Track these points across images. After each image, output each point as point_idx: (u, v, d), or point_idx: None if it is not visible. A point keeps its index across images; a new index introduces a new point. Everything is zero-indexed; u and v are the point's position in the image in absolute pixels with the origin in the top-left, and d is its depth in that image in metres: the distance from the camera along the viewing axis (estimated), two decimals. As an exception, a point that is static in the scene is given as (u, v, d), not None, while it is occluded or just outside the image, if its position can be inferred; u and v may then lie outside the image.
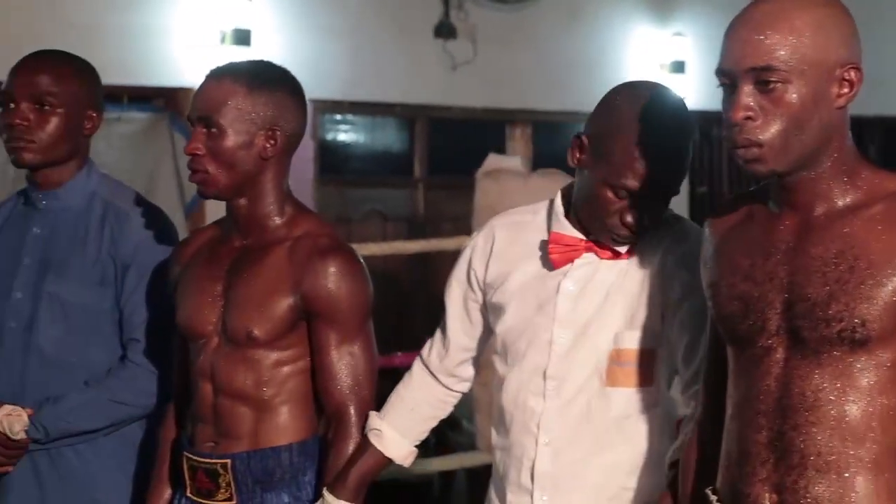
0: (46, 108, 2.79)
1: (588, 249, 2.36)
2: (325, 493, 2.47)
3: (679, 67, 9.65)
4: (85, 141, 2.89)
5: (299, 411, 2.56)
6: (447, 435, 5.92)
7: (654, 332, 2.33)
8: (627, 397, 2.34)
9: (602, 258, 2.36)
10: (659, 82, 2.38)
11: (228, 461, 2.51)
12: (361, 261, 2.57)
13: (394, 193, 9.04)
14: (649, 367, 2.33)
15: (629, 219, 2.28)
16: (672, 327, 2.31)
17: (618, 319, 2.33)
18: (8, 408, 2.75)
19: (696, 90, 9.72)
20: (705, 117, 10.26)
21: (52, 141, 2.81)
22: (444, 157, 8.98)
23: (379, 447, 2.52)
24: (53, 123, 2.80)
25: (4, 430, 2.73)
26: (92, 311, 2.82)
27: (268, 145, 2.52)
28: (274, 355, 2.53)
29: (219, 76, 2.53)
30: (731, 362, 2.04)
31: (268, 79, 2.56)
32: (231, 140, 2.49)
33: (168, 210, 3.05)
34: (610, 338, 2.33)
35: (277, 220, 2.58)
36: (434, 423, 2.65)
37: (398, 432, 2.56)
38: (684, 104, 2.35)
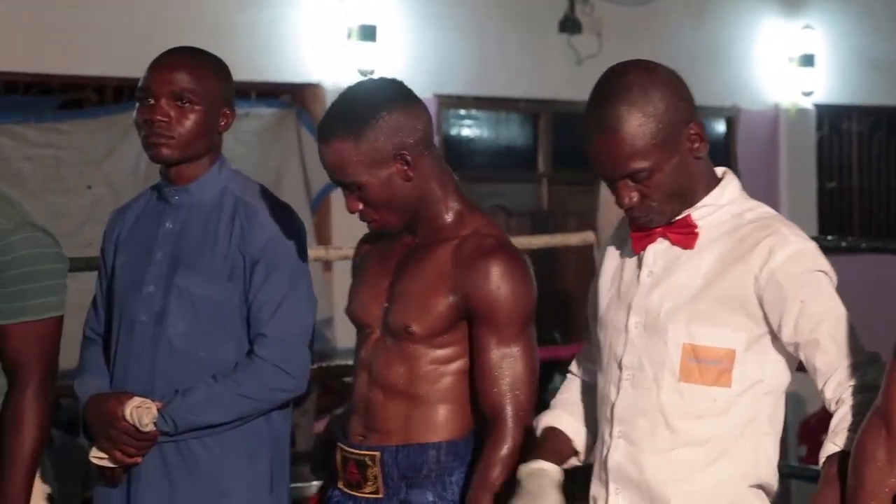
0: (186, 104, 2.81)
1: (662, 235, 2.33)
2: (472, 489, 2.46)
3: (808, 61, 9.51)
4: (218, 137, 2.92)
5: (453, 411, 2.57)
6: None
7: (735, 331, 2.27)
8: (702, 395, 2.28)
9: (674, 243, 2.32)
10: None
11: (377, 454, 2.54)
12: (527, 262, 2.57)
13: (517, 188, 9.04)
14: (727, 367, 2.27)
15: (621, 201, 2.28)
16: (788, 329, 2.24)
17: (693, 313, 2.28)
18: (138, 400, 2.77)
19: (825, 84, 9.58)
20: (834, 111, 10.14)
21: (190, 137, 2.83)
22: (568, 152, 8.95)
23: (567, 432, 2.47)
24: (192, 120, 2.82)
25: (134, 422, 2.75)
26: (220, 305, 2.83)
27: (405, 168, 2.54)
28: (431, 352, 2.55)
29: (327, 140, 2.56)
30: None
31: (368, 113, 2.55)
32: (376, 188, 2.53)
33: (294, 206, 3.06)
34: (684, 331, 2.28)
35: (446, 218, 2.60)
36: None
37: (571, 420, 2.51)
38: (612, 75, 2.33)
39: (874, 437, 2.09)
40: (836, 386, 2.21)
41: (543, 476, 2.37)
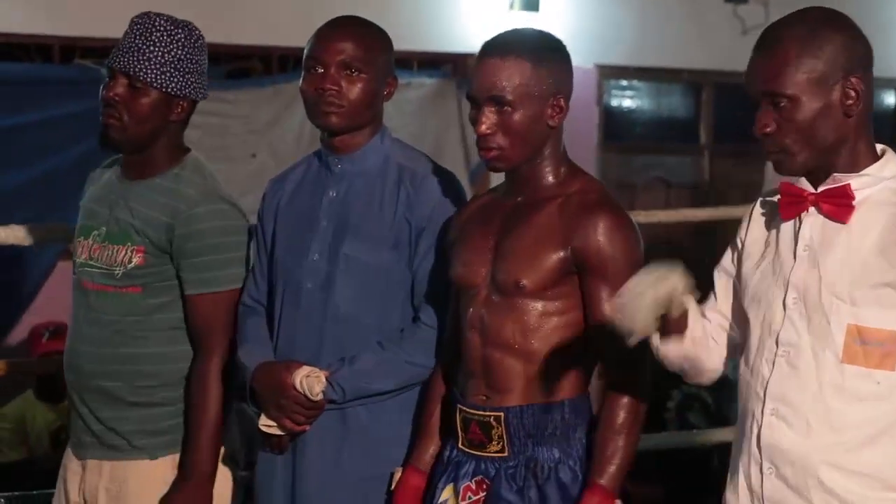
0: (354, 73, 2.85)
1: (814, 203, 2.29)
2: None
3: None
4: (381, 106, 2.95)
5: (570, 367, 2.58)
6: (726, 406, 5.84)
7: (889, 310, 2.22)
8: (865, 378, 2.24)
9: (826, 213, 2.28)
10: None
11: (501, 414, 2.55)
12: (631, 217, 2.59)
13: (678, 160, 8.96)
14: (892, 350, 2.23)
15: (758, 124, 2.28)
16: None
17: (859, 293, 2.23)
18: (307, 369, 2.81)
19: None
20: None
21: (359, 106, 2.86)
22: (732, 125, 8.84)
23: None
24: (360, 88, 2.85)
25: (304, 391, 2.80)
26: (387, 272, 2.86)
27: (555, 113, 2.58)
28: (541, 305, 2.56)
29: (503, 54, 2.58)
30: None
31: (548, 50, 2.61)
32: (522, 115, 2.55)
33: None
34: (849, 312, 2.23)
35: (552, 180, 2.63)
36: None
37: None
38: None
39: None
40: None
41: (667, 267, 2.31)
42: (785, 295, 2.31)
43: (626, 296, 2.25)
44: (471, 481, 2.62)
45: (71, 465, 3.16)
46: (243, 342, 2.97)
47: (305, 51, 2.91)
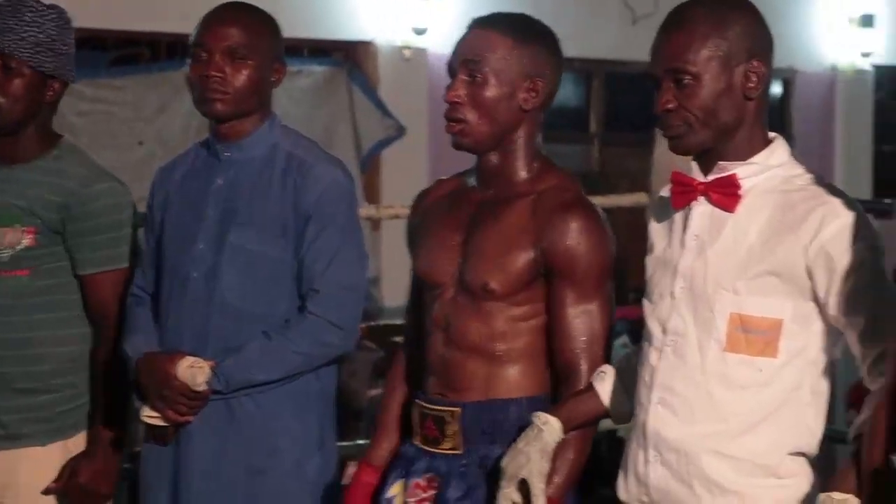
0: (239, 60, 2.83)
1: (703, 192, 2.31)
2: (536, 413, 2.46)
3: (868, 21, 9.44)
4: (269, 93, 2.93)
5: (532, 368, 2.56)
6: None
7: (783, 301, 2.25)
8: (747, 366, 2.27)
9: (714, 203, 2.30)
10: None
11: (458, 410, 2.54)
12: (604, 219, 2.55)
13: (569, 149, 9.02)
14: (774, 338, 2.26)
15: (659, 101, 2.30)
16: (833, 303, 2.23)
17: (742, 282, 2.26)
18: (190, 359, 2.79)
19: (884, 45, 9.48)
20: (894, 73, 10.03)
21: (244, 92, 2.85)
22: (621, 114, 8.93)
23: (598, 389, 2.49)
24: (246, 75, 2.84)
25: (187, 381, 2.78)
26: (273, 261, 2.85)
27: (529, 97, 2.54)
28: (509, 310, 2.54)
29: (485, 26, 2.57)
30: None
31: (533, 32, 2.60)
32: (494, 90, 2.52)
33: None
34: (732, 301, 2.26)
35: (524, 175, 2.58)
36: None
37: (623, 386, 2.50)
38: None
39: (880, 416, 2.09)
40: (870, 370, 2.23)
41: (542, 429, 2.40)
42: (673, 284, 2.33)
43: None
44: (421, 478, 2.60)
45: None
46: (129, 333, 2.95)
47: (192, 37, 2.88)
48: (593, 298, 2.51)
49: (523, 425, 2.48)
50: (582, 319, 2.50)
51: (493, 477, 2.48)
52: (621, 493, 2.40)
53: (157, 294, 2.98)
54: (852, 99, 9.76)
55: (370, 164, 7.72)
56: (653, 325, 2.36)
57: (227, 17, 2.88)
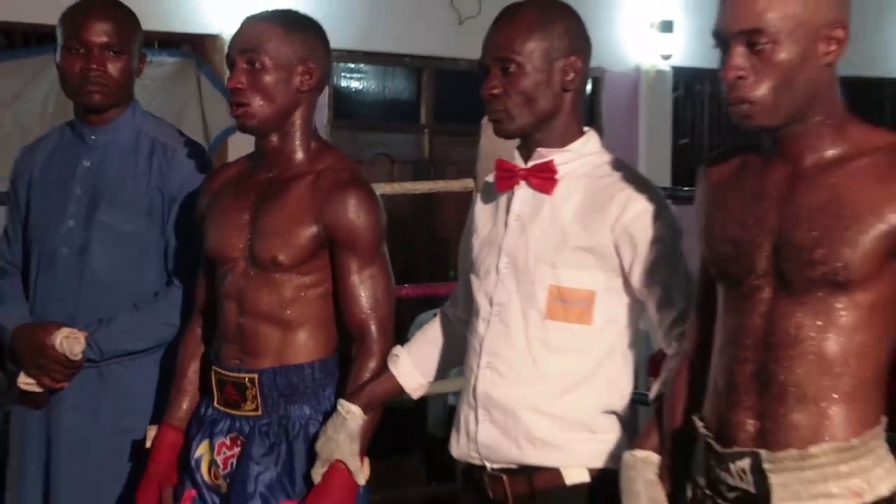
0: (114, 54, 2.81)
1: (525, 177, 2.36)
2: (341, 401, 2.50)
3: (668, 27, 9.62)
4: (133, 82, 2.92)
5: (321, 332, 2.57)
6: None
7: (595, 275, 2.31)
8: (566, 332, 2.31)
9: (533, 187, 2.35)
10: None
11: (256, 376, 2.53)
12: (376, 193, 2.58)
13: (401, 138, 9.05)
14: (588, 307, 2.32)
15: (487, 85, 2.33)
16: (636, 276, 2.29)
17: (559, 257, 2.31)
18: (66, 330, 2.77)
19: (682, 48, 9.69)
20: (690, 74, 10.28)
21: (121, 83, 2.85)
22: (449, 106, 8.98)
23: (393, 372, 2.54)
24: (120, 68, 2.83)
25: (64, 351, 2.76)
26: (141, 238, 2.84)
27: (304, 79, 2.55)
28: (297, 279, 2.54)
29: (257, 19, 2.57)
30: (720, 300, 2.05)
31: (300, 22, 2.60)
32: (271, 74, 2.52)
33: (195, 148, 3.05)
34: (551, 274, 2.31)
35: (302, 155, 2.58)
36: (452, 364, 2.64)
37: (413, 363, 2.57)
38: None
39: (680, 380, 2.17)
40: (665, 335, 2.29)
41: (346, 417, 2.46)
42: (498, 260, 2.36)
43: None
44: (226, 438, 2.59)
45: None
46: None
47: (64, 30, 2.83)
48: (374, 264, 2.54)
49: (315, 386, 2.55)
50: (367, 284, 2.53)
51: (296, 435, 2.53)
52: (454, 451, 2.43)
53: (24, 268, 2.93)
54: (653, 97, 9.90)
55: (218, 149, 7.60)
56: (480, 299, 2.39)
57: (101, 12, 2.84)
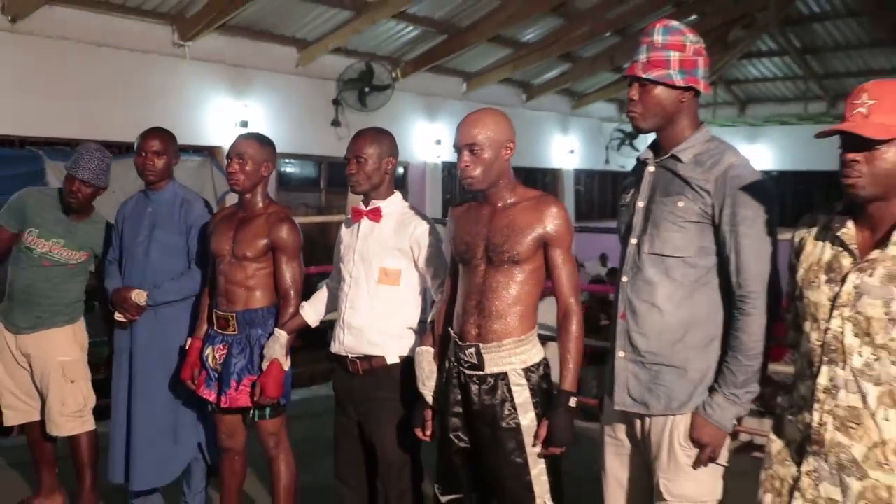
0: (158, 155, 2.68)
1: (366, 214, 2.22)
2: (276, 328, 2.39)
3: (439, 142, 9.39)
4: (172, 169, 2.79)
5: (267, 293, 2.43)
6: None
7: (401, 260, 2.16)
8: (388, 288, 2.18)
9: (370, 219, 2.20)
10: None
11: (233, 314, 2.42)
12: (297, 223, 2.45)
13: (311, 195, 8.50)
14: (398, 277, 2.17)
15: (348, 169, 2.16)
16: (420, 263, 2.17)
17: (381, 252, 2.18)
18: (136, 291, 2.65)
19: (447, 152, 9.19)
20: (451, 165, 9.92)
21: (163, 171, 2.71)
22: (333, 179, 8.51)
23: (301, 314, 2.37)
24: (163, 163, 2.70)
25: (136, 301, 2.63)
26: (176, 246, 2.70)
27: (265, 169, 2.41)
28: (256, 265, 2.37)
29: (245, 137, 2.42)
30: (461, 272, 1.98)
31: (265, 139, 2.48)
32: (250, 166, 2.38)
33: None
34: (380, 260, 2.18)
35: (261, 204, 2.42)
36: (330, 309, 2.41)
37: (312, 309, 2.39)
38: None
39: (442, 309, 2.04)
40: (435, 291, 2.15)
41: (278, 337, 2.31)
42: (354, 255, 2.23)
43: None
44: (220, 345, 2.43)
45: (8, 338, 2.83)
46: (108, 277, 2.77)
47: (136, 144, 2.68)
48: (294, 259, 2.39)
49: (264, 320, 2.37)
50: (290, 268, 2.37)
51: (255, 344, 2.36)
52: (332, 349, 2.25)
53: (120, 261, 2.80)
54: (433, 177, 9.74)
55: (221, 202, 7.49)
56: (345, 274, 2.24)
57: (153, 135, 2.71)
